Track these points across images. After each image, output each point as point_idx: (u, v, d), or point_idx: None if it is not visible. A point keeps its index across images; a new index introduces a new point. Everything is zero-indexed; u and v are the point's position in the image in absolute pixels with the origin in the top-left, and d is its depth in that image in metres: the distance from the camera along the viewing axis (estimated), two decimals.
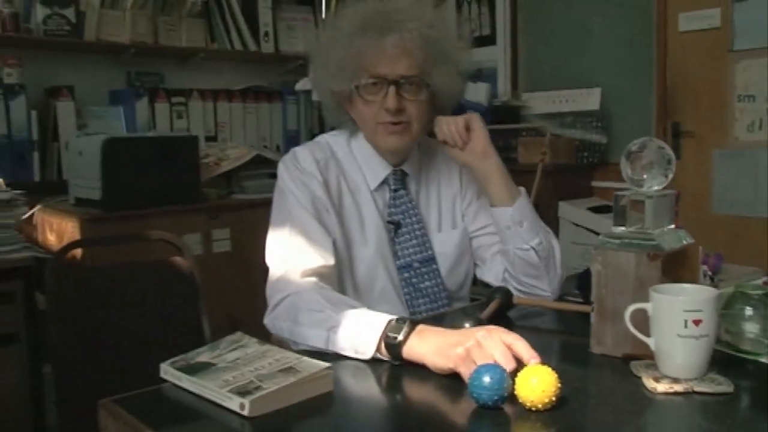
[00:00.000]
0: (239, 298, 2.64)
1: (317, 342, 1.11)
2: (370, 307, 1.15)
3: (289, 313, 1.20)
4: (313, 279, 1.25)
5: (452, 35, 1.37)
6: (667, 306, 0.93)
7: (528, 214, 1.37)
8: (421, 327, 1.03)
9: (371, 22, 1.30)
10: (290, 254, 1.30)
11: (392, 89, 1.30)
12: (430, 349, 0.99)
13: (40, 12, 2.67)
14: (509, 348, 0.94)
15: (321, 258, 1.29)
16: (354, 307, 1.13)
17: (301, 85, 3.10)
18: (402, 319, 1.05)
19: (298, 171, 1.37)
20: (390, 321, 1.04)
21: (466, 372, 0.91)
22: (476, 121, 1.37)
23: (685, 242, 1.08)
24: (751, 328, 1.03)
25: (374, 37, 1.29)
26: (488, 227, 1.45)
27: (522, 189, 1.40)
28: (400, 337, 1.01)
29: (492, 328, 0.98)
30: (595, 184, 3.51)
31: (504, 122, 3.54)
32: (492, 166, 1.37)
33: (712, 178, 3.18)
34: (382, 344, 1.03)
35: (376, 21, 1.30)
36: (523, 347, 0.94)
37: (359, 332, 1.06)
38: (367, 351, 1.04)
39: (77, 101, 2.79)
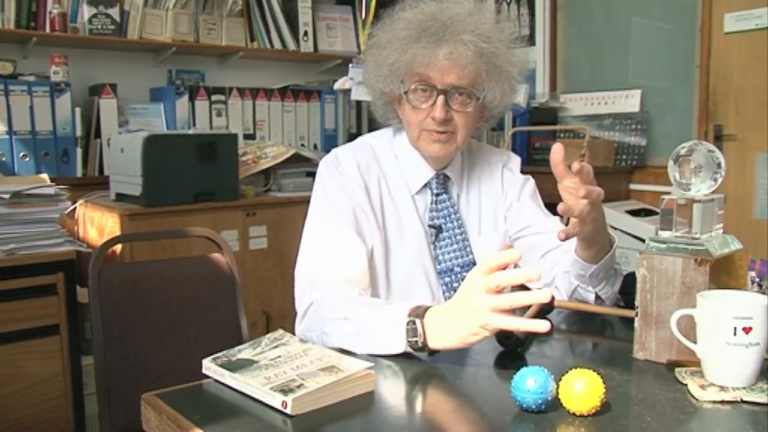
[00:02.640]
0: (274, 294, 2.66)
1: (350, 349, 1.11)
2: None
3: (315, 324, 1.21)
4: (337, 285, 1.25)
5: (508, 50, 1.34)
6: (716, 313, 0.92)
7: (606, 268, 1.27)
8: (428, 321, 1.03)
9: (427, 29, 1.28)
10: (318, 261, 1.30)
11: (441, 99, 1.29)
12: (448, 340, 1.01)
13: (86, 11, 2.72)
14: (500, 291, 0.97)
15: (350, 265, 1.29)
16: (373, 307, 1.14)
17: (339, 84, 3.11)
18: (414, 314, 1.05)
19: (339, 174, 1.37)
20: (407, 323, 1.04)
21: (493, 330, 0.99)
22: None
23: (733, 248, 1.06)
24: None
25: (428, 45, 1.27)
26: (531, 227, 1.44)
27: (613, 242, 1.27)
28: (420, 340, 1.03)
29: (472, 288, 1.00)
30: (634, 186, 3.47)
31: (542, 124, 3.52)
32: (599, 237, 1.23)
33: (755, 183, 3.11)
34: (408, 345, 1.05)
35: (432, 29, 1.28)
36: (509, 278, 0.97)
37: (383, 336, 1.07)
38: (397, 349, 1.06)
39: (119, 99, 2.83)
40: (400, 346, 1.05)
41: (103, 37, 2.76)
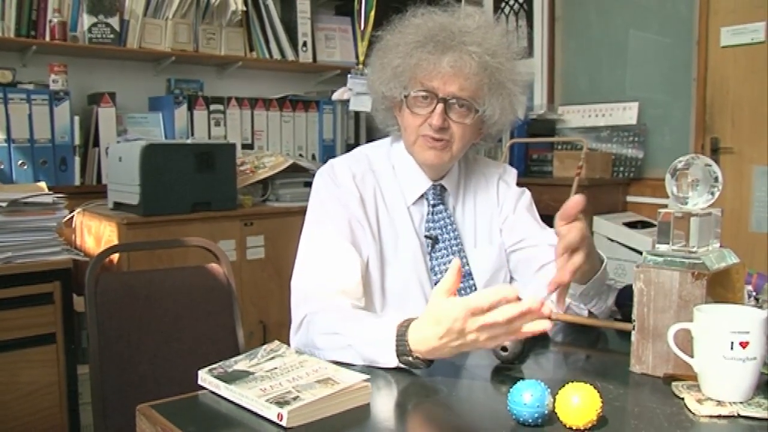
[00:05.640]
0: (271, 304, 2.66)
1: (344, 360, 1.11)
2: None
3: (308, 337, 1.22)
4: (331, 297, 1.25)
5: (513, 67, 1.34)
6: (713, 327, 0.92)
7: (596, 286, 1.27)
8: (414, 336, 1.03)
9: (435, 36, 1.28)
10: (313, 273, 1.30)
11: (440, 106, 1.30)
12: (437, 349, 1.00)
13: (86, 20, 2.73)
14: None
15: (344, 276, 1.29)
16: (365, 320, 1.14)
17: (338, 95, 3.11)
18: (401, 333, 1.04)
19: (335, 186, 1.37)
20: (397, 343, 1.04)
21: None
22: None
23: (730, 261, 1.06)
24: None
25: (433, 52, 1.27)
26: (526, 240, 1.43)
27: (603, 260, 1.26)
28: (411, 358, 1.03)
29: (458, 308, 0.97)
30: (630, 198, 3.47)
31: (540, 135, 3.53)
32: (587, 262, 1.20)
33: (752, 196, 3.12)
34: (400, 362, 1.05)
35: (439, 37, 1.28)
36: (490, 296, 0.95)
37: (375, 352, 1.07)
38: (390, 364, 1.06)
39: (118, 107, 2.83)
40: (392, 362, 1.05)
41: (103, 46, 2.77)
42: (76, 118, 2.69)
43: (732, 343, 0.90)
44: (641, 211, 3.39)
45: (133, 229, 2.34)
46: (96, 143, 2.77)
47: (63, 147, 2.67)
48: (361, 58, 3.26)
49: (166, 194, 2.41)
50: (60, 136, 2.65)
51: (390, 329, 1.05)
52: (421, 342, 1.02)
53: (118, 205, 2.51)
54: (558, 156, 3.39)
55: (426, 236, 1.40)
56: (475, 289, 1.41)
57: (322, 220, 1.34)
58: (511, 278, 1.48)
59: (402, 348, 1.04)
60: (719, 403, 0.91)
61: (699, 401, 0.91)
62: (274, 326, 2.64)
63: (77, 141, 2.70)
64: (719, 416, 0.89)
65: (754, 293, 1.27)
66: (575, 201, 1.13)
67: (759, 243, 3.02)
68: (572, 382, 0.87)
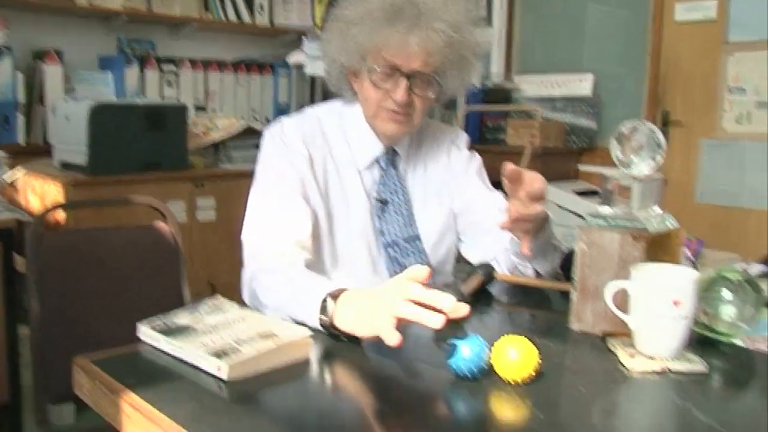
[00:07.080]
0: (222, 267, 2.64)
1: (284, 317, 1.10)
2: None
3: (255, 293, 1.22)
4: (280, 254, 1.25)
5: (474, 39, 1.34)
6: (648, 286, 0.94)
7: (541, 245, 1.26)
8: (340, 302, 1.02)
9: (401, 12, 1.26)
10: (261, 228, 1.30)
11: (404, 83, 1.29)
12: (353, 323, 0.98)
13: None
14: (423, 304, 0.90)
15: (296, 229, 1.29)
16: (307, 278, 1.14)
17: (294, 59, 3.07)
18: (332, 294, 1.03)
19: (284, 145, 1.36)
20: (323, 300, 1.03)
21: (387, 339, 0.90)
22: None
23: (669, 225, 1.09)
24: (728, 312, 1.04)
25: (401, 30, 1.26)
26: (475, 204, 1.44)
27: (547, 217, 1.23)
28: (327, 319, 1.02)
29: (400, 284, 0.94)
30: (582, 168, 3.53)
31: (495, 103, 3.54)
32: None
33: (698, 168, 3.20)
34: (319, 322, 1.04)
35: (406, 14, 1.26)
36: (434, 299, 0.90)
37: (304, 309, 1.06)
38: (311, 323, 1.04)
39: (66, 65, 2.75)
40: (314, 320, 1.04)
41: (49, 1, 2.67)
42: (20, 75, 2.60)
43: (666, 301, 0.92)
44: (592, 180, 3.45)
45: (80, 188, 2.29)
46: (42, 101, 2.69)
47: (5, 104, 2.58)
48: (319, 22, 3.22)
49: (116, 154, 2.36)
50: (1, 93, 2.56)
51: (318, 296, 1.04)
52: (343, 313, 1.00)
53: (65, 165, 2.45)
54: (512, 124, 3.42)
55: (376, 199, 1.40)
56: (423, 251, 1.42)
57: (271, 176, 1.34)
58: (459, 240, 1.49)
59: (324, 318, 1.02)
60: (651, 358, 0.93)
61: (632, 356, 0.94)
62: (223, 288, 2.62)
63: (21, 99, 2.61)
64: (651, 371, 0.91)
65: (691, 258, 1.31)
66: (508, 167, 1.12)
67: (704, 213, 3.11)
68: (508, 334, 0.88)
